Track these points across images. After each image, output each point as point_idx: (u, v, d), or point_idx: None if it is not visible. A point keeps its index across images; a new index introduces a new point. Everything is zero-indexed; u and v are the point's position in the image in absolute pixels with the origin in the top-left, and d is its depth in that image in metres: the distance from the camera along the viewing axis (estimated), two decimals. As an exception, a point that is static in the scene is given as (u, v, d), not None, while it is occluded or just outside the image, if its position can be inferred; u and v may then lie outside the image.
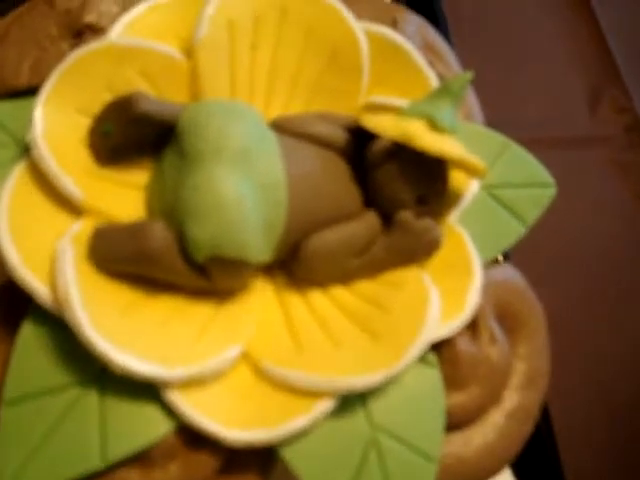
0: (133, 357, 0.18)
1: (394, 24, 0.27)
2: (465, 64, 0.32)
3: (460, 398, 0.23)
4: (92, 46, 0.22)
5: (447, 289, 0.22)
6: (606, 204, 0.43)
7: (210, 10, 0.22)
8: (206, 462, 0.20)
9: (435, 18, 0.38)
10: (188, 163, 0.20)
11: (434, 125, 0.21)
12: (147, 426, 0.19)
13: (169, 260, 0.19)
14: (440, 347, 0.22)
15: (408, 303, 0.22)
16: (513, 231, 0.25)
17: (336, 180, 0.22)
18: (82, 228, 0.20)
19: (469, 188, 0.24)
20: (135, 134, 0.21)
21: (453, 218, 0.24)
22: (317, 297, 0.22)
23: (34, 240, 0.20)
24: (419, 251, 0.22)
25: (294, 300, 0.22)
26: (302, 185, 0.21)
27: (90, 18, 0.24)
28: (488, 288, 0.24)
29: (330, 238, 0.21)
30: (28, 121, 0.21)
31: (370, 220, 0.22)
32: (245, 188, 0.19)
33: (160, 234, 0.19)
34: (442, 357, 0.22)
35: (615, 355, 0.39)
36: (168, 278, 0.20)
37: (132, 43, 0.22)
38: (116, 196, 0.21)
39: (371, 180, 0.22)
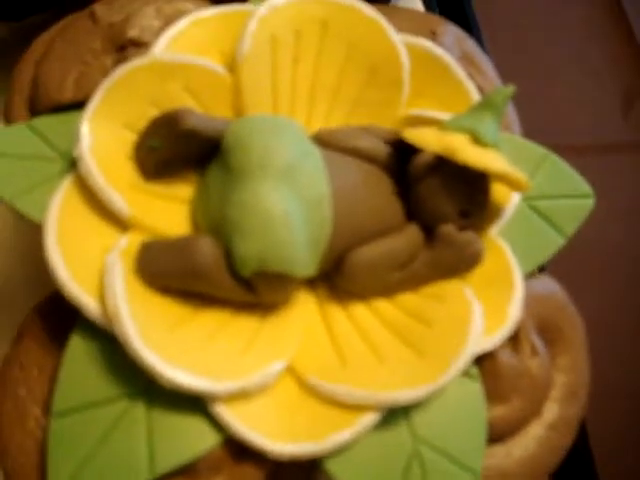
0: (181, 371, 0.19)
1: (433, 36, 0.27)
2: (497, 71, 0.32)
3: (501, 410, 0.23)
4: (137, 62, 0.22)
5: (489, 302, 0.22)
6: (637, 210, 0.43)
7: (253, 25, 0.23)
8: (251, 475, 0.20)
9: (469, 27, 0.38)
10: (234, 179, 0.20)
11: (477, 139, 0.21)
12: (194, 439, 0.19)
13: (216, 275, 0.19)
14: (482, 360, 0.22)
15: (451, 316, 0.22)
16: (552, 243, 0.25)
17: (379, 194, 0.22)
18: (129, 242, 0.20)
19: (510, 201, 0.24)
20: (181, 149, 0.21)
21: (494, 231, 0.23)
22: (360, 310, 0.22)
23: (82, 254, 0.20)
24: (461, 264, 0.22)
25: (337, 313, 0.22)
26: (346, 200, 0.21)
27: (133, 33, 0.24)
28: (529, 301, 0.24)
29: (373, 252, 0.21)
30: (73, 135, 0.22)
31: (412, 233, 0.22)
32: (291, 204, 0.19)
33: (208, 250, 0.19)
34: (484, 370, 0.22)
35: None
36: (215, 293, 0.20)
37: (176, 59, 0.22)
38: (162, 210, 0.21)
39: (413, 194, 0.22)
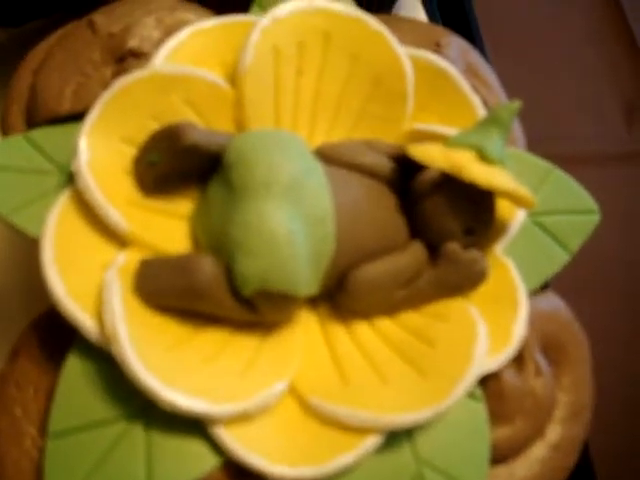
0: (180, 393, 0.18)
1: (437, 47, 0.26)
2: (500, 81, 0.31)
3: (505, 432, 0.23)
4: (136, 74, 0.21)
5: (493, 321, 0.22)
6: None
7: (255, 37, 0.22)
8: (251, 498, 0.20)
9: (471, 35, 0.38)
10: (236, 196, 0.19)
11: (483, 156, 0.21)
12: (193, 461, 0.19)
13: (217, 294, 0.19)
14: (485, 380, 0.22)
15: (455, 336, 0.21)
16: (557, 259, 0.25)
17: (382, 211, 0.22)
18: (128, 259, 0.20)
19: (516, 218, 0.23)
20: (181, 164, 0.21)
21: (499, 248, 0.23)
22: (362, 329, 0.22)
23: (79, 271, 0.20)
24: (466, 283, 0.22)
25: (339, 332, 0.22)
26: (349, 217, 0.20)
27: (133, 43, 0.24)
28: (533, 318, 0.23)
29: (376, 270, 0.21)
30: (71, 149, 0.21)
31: (416, 251, 0.22)
32: (294, 222, 0.19)
33: (209, 269, 0.19)
34: (487, 390, 0.22)
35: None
36: (215, 312, 0.20)
37: (176, 70, 0.22)
38: (161, 226, 0.21)
39: (418, 211, 0.22)
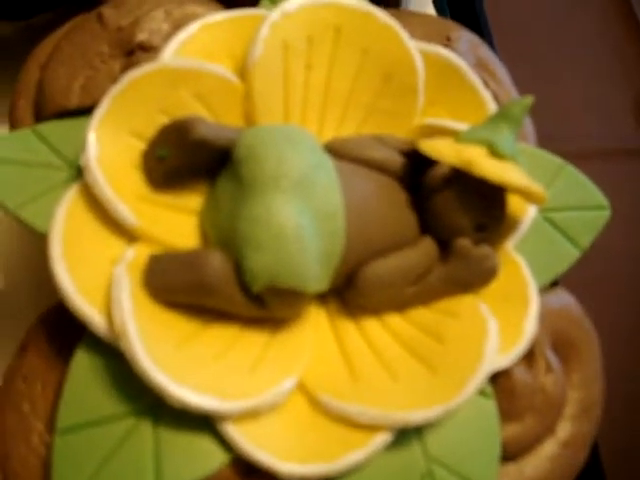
0: (189, 390, 0.18)
1: (447, 41, 0.26)
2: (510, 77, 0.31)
3: (515, 429, 0.23)
4: (145, 68, 0.21)
5: (504, 318, 0.22)
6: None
7: (264, 31, 0.22)
8: (260, 494, 0.20)
9: (480, 31, 0.38)
10: (245, 191, 0.19)
11: (494, 151, 0.21)
12: (202, 458, 0.19)
13: (226, 290, 0.19)
14: (496, 377, 0.22)
15: (465, 333, 0.21)
16: (567, 255, 0.25)
17: (392, 206, 0.21)
18: (136, 254, 0.20)
19: (527, 214, 0.23)
20: (190, 159, 0.20)
21: (510, 245, 0.23)
22: (372, 325, 0.22)
23: (87, 266, 0.20)
24: (476, 279, 0.22)
25: (348, 328, 0.22)
26: (359, 213, 0.20)
27: (142, 37, 0.24)
28: (544, 316, 0.23)
29: (387, 266, 0.21)
30: (80, 143, 0.21)
31: (427, 247, 0.21)
32: (304, 218, 0.19)
33: (218, 264, 0.19)
34: (498, 387, 0.22)
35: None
36: (224, 307, 0.20)
37: (186, 65, 0.21)
38: (170, 221, 0.21)
39: (428, 206, 0.21)
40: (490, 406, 0.21)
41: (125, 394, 0.19)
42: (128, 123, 0.21)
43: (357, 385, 0.20)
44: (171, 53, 0.22)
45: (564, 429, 0.24)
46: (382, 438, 0.19)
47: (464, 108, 0.24)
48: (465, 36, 0.27)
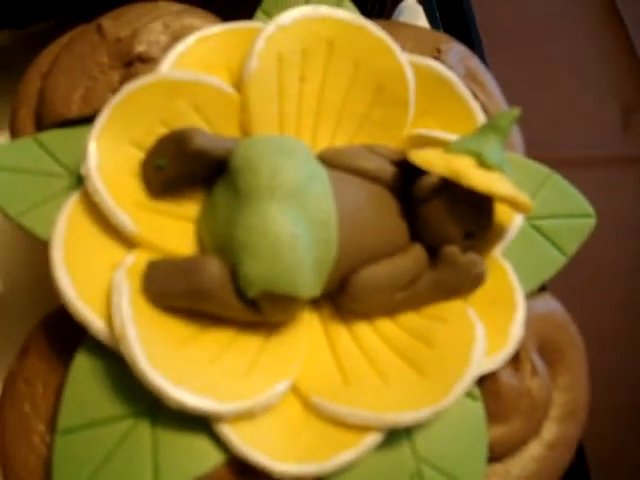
0: (187, 391, 0.19)
1: (438, 53, 0.27)
2: (497, 83, 0.32)
3: (502, 430, 0.23)
4: (145, 79, 0.22)
5: (491, 322, 0.22)
6: (636, 222, 0.43)
7: (260, 44, 0.23)
8: (254, 493, 0.20)
9: (471, 40, 0.38)
10: (241, 200, 0.20)
11: (482, 162, 0.21)
12: (198, 458, 0.20)
13: (223, 296, 0.20)
14: (483, 380, 0.23)
15: (454, 337, 0.22)
16: (554, 262, 0.25)
17: (383, 214, 0.22)
18: (136, 260, 0.21)
19: (514, 222, 0.24)
20: (188, 168, 0.21)
21: (497, 251, 0.24)
22: (363, 329, 0.22)
23: (88, 272, 0.21)
24: (464, 285, 0.22)
25: (340, 332, 0.22)
26: (351, 221, 0.21)
27: (140, 48, 0.24)
28: (530, 321, 0.24)
29: (378, 272, 0.21)
30: (80, 151, 0.22)
31: (416, 254, 0.22)
32: (298, 227, 0.20)
33: (215, 271, 0.19)
34: (485, 390, 0.23)
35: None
36: (220, 312, 0.20)
37: (183, 76, 0.22)
38: (168, 228, 0.21)
39: (418, 215, 0.22)
40: (477, 408, 0.22)
41: (124, 396, 0.20)
42: (128, 133, 0.22)
43: (348, 387, 0.21)
44: (169, 65, 0.23)
45: (550, 431, 0.25)
46: (373, 438, 0.20)
47: (454, 119, 0.25)
48: (455, 48, 0.28)
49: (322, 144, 0.24)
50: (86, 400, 0.20)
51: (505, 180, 0.21)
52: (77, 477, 0.19)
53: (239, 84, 0.23)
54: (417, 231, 0.23)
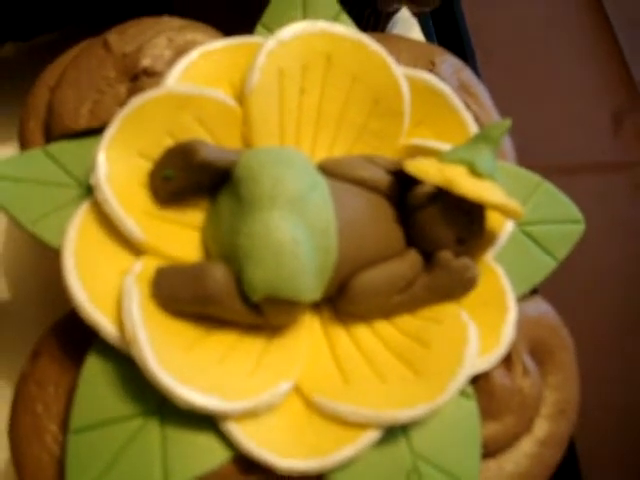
0: (195, 391, 0.20)
1: (432, 66, 0.28)
2: (490, 92, 0.33)
3: (495, 428, 0.24)
4: (151, 93, 0.23)
5: (483, 324, 0.23)
6: (630, 228, 0.44)
7: (261, 59, 0.24)
8: (258, 488, 0.21)
9: (464, 51, 0.40)
10: (245, 209, 0.21)
11: (474, 171, 0.22)
12: (205, 455, 0.20)
13: (228, 301, 0.21)
14: (477, 379, 0.24)
15: (448, 338, 0.23)
16: (544, 266, 0.26)
17: (380, 221, 0.23)
18: (144, 267, 0.22)
19: (505, 228, 0.25)
20: (194, 179, 0.22)
21: (489, 256, 0.25)
22: (361, 331, 0.23)
23: (98, 278, 0.21)
24: (458, 288, 0.23)
25: (340, 334, 0.23)
26: (350, 228, 0.22)
27: (145, 62, 0.25)
28: (522, 323, 0.25)
29: (375, 276, 0.22)
30: (88, 162, 0.23)
31: (412, 259, 0.23)
32: (300, 233, 0.21)
33: (220, 277, 0.20)
34: (478, 389, 0.24)
35: (636, 382, 0.40)
36: (225, 316, 0.21)
37: (189, 91, 0.23)
38: (174, 236, 0.22)
39: (413, 222, 0.23)
40: (471, 406, 0.23)
41: (133, 396, 0.21)
42: (136, 144, 0.23)
43: (348, 387, 0.22)
44: (174, 79, 0.24)
45: (541, 428, 0.26)
46: (371, 435, 0.21)
47: (447, 129, 0.26)
48: (449, 60, 0.29)
49: (321, 154, 0.25)
50: (97, 400, 0.21)
51: (496, 188, 0.22)
52: (89, 474, 0.20)
53: (241, 97, 0.24)
54: (412, 237, 0.24)
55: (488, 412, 0.24)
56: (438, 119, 0.26)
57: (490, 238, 0.24)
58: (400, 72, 0.25)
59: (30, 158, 0.24)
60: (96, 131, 0.24)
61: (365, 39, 0.25)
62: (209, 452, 0.21)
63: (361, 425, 0.21)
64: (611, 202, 0.45)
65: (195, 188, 0.23)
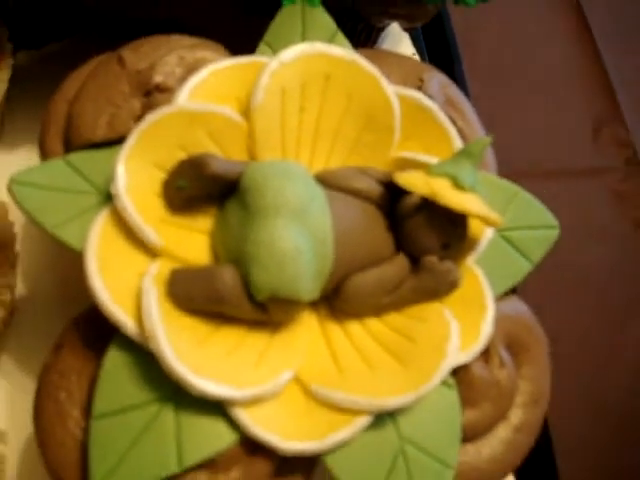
0: (207, 381, 0.22)
1: (421, 82, 0.30)
2: (477, 100, 0.36)
3: (473, 415, 0.27)
4: (166, 110, 0.25)
5: (464, 321, 0.26)
6: (606, 231, 0.47)
7: (265, 80, 0.26)
8: (262, 467, 0.24)
9: (452, 64, 0.42)
10: (251, 217, 0.23)
11: (457, 184, 0.25)
12: (216, 438, 0.23)
13: (236, 300, 0.23)
14: (457, 371, 0.26)
15: (432, 334, 0.25)
16: (521, 268, 0.29)
17: (372, 228, 0.26)
18: (160, 269, 0.24)
19: (485, 234, 0.27)
20: (205, 188, 0.24)
21: (471, 260, 0.27)
22: (354, 327, 0.26)
23: (118, 278, 0.24)
24: (441, 289, 0.26)
25: (335, 329, 0.26)
26: (345, 235, 0.24)
27: (158, 79, 0.28)
28: (499, 320, 0.27)
29: (367, 279, 0.25)
30: (106, 171, 0.25)
31: (400, 263, 0.26)
32: (301, 240, 0.23)
33: (229, 278, 0.23)
34: (459, 379, 0.26)
35: (610, 375, 0.43)
36: (233, 313, 0.24)
37: (199, 107, 0.25)
38: (186, 240, 0.25)
39: (402, 229, 0.26)
40: (453, 395, 0.26)
41: (150, 385, 0.23)
42: (151, 157, 0.25)
43: (342, 377, 0.24)
44: (186, 96, 0.26)
45: (516, 416, 0.29)
46: (363, 420, 0.24)
47: (434, 143, 0.28)
48: (436, 77, 0.31)
49: (319, 166, 0.27)
50: (117, 389, 0.23)
51: (477, 200, 0.25)
52: (111, 456, 0.23)
53: (247, 113, 0.26)
54: (401, 242, 0.26)
55: (467, 401, 0.26)
56: (426, 134, 0.28)
57: (471, 244, 0.27)
58: (392, 90, 0.28)
59: (52, 167, 0.26)
60: (113, 142, 0.27)
61: (360, 60, 0.28)
62: (219, 435, 0.23)
63: (354, 411, 0.24)
64: (588, 205, 0.47)
65: (205, 196, 0.25)
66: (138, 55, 0.29)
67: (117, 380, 0.23)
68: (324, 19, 0.30)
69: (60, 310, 0.28)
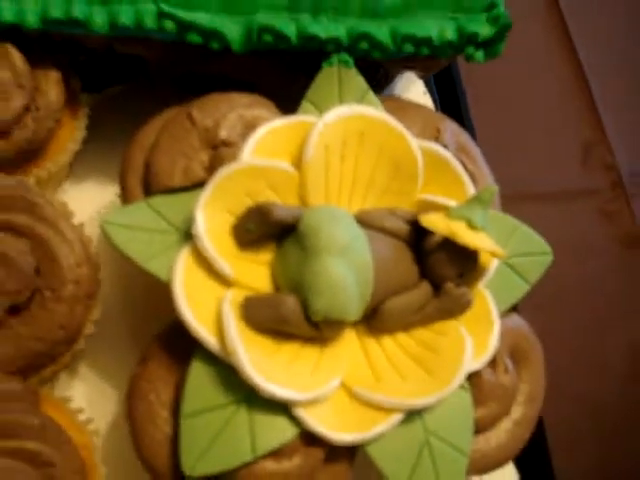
0: (276, 386, 0.28)
1: (437, 132, 0.36)
2: (477, 127, 0.42)
3: (483, 412, 0.33)
4: (235, 165, 0.31)
5: (476, 335, 0.32)
6: (594, 249, 0.53)
7: (314, 139, 0.32)
8: (317, 455, 0.30)
9: (458, 102, 0.48)
10: (308, 254, 0.29)
11: (471, 225, 0.31)
12: (281, 431, 0.29)
13: (297, 321, 0.29)
14: (471, 376, 0.32)
15: (451, 346, 0.31)
16: (520, 289, 0.35)
17: (402, 260, 0.32)
18: (234, 295, 0.30)
19: (492, 264, 0.33)
20: (268, 231, 0.30)
21: (480, 284, 0.33)
22: (387, 341, 0.32)
23: (200, 302, 0.30)
24: (458, 309, 0.32)
25: (371, 343, 0.32)
26: (381, 267, 0.30)
27: (223, 135, 0.33)
28: (503, 333, 0.33)
29: (399, 302, 0.31)
30: (184, 213, 0.31)
31: (425, 288, 0.32)
32: (348, 274, 0.29)
33: (292, 305, 0.29)
34: (471, 383, 0.32)
35: (601, 378, 0.49)
36: (293, 332, 0.30)
37: (262, 163, 0.31)
38: (252, 271, 0.31)
39: (426, 261, 0.32)
40: (467, 396, 0.32)
41: (228, 389, 0.29)
42: (224, 204, 0.31)
43: (379, 382, 0.30)
44: (249, 152, 0.32)
45: (517, 412, 0.35)
46: (396, 417, 0.30)
47: (450, 188, 0.34)
48: (450, 126, 0.37)
49: (355, 207, 0.33)
50: (201, 393, 0.29)
51: (487, 238, 0.31)
52: (197, 448, 0.29)
53: (299, 165, 0.32)
54: (425, 272, 0.32)
55: (478, 400, 0.33)
56: (443, 180, 0.34)
57: (481, 271, 0.33)
58: (415, 144, 0.34)
59: (137, 209, 0.32)
60: (187, 188, 0.32)
61: (389, 119, 0.33)
62: (284, 429, 0.29)
63: (389, 410, 0.30)
64: (578, 224, 0.53)
65: (267, 236, 0.31)
66: (204, 113, 0.34)
67: (200, 386, 0.29)
68: (357, 79, 0.36)
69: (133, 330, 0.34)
